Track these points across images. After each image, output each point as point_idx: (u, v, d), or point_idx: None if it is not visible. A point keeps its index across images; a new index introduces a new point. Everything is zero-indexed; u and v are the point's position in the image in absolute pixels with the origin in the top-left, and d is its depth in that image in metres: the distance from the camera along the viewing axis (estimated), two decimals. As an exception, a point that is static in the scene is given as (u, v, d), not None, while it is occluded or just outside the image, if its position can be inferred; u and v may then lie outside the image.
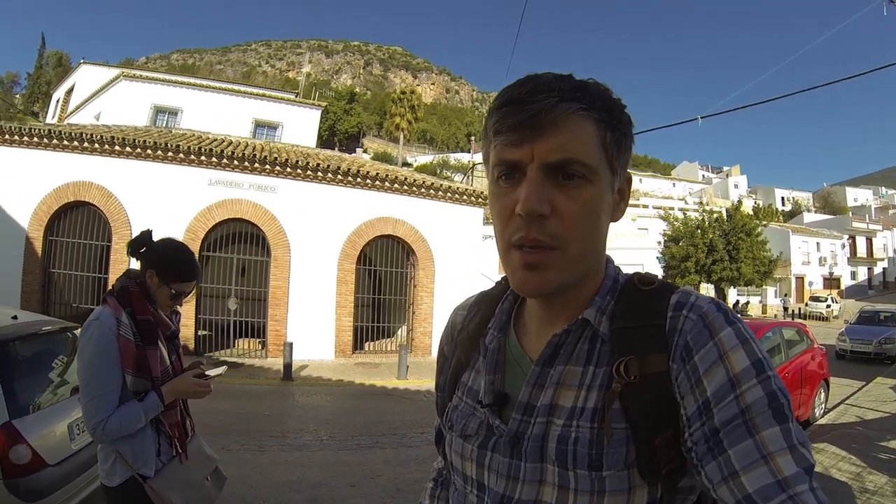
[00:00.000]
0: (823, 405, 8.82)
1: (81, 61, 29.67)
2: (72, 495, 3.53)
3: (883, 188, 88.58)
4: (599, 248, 0.85)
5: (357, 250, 13.44)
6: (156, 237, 2.31)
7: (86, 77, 26.96)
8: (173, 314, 2.35)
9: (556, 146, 0.76)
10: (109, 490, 2.06)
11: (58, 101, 31.27)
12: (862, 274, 52.16)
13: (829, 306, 36.15)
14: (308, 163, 12.87)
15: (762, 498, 0.65)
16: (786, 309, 37.36)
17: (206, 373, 2.32)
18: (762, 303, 40.31)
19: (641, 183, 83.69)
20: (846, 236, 51.20)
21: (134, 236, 2.28)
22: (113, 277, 11.44)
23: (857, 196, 79.68)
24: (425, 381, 10.89)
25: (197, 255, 11.78)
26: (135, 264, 2.31)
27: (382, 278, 14.77)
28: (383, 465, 5.85)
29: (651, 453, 0.75)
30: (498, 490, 0.85)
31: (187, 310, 11.83)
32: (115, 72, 24.11)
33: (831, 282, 47.77)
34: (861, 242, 52.84)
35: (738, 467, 0.68)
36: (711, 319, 0.77)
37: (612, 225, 0.88)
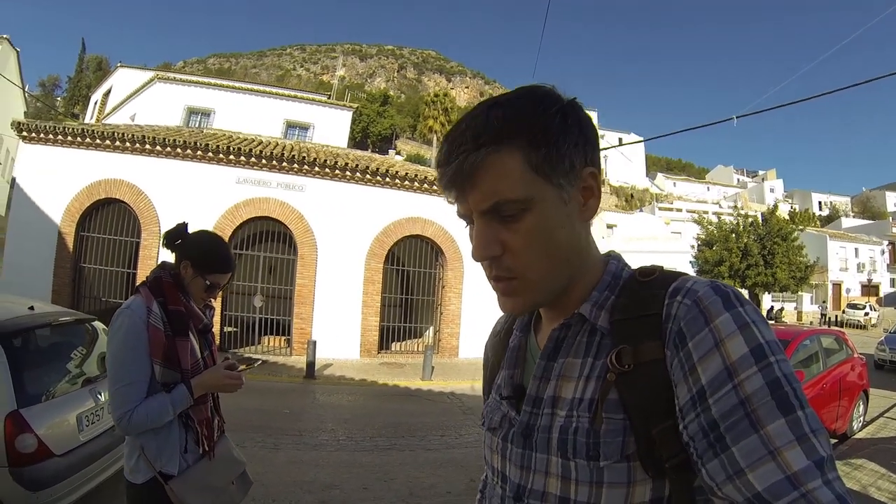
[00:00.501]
0: (862, 417, 8.49)
1: (118, 64, 30.47)
2: (77, 486, 3.53)
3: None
4: (571, 258, 0.85)
5: (385, 250, 13.40)
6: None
7: (122, 80, 27.75)
8: (206, 308, 2.32)
9: (481, 196, 0.80)
10: (132, 487, 2.02)
11: (95, 103, 32.21)
12: (902, 281, 50.47)
13: (867, 314, 35.13)
14: (336, 162, 12.89)
15: (773, 496, 0.63)
16: (823, 315, 36.34)
17: (239, 368, 2.28)
18: (797, 309, 39.32)
19: (675, 186, 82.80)
20: (886, 242, 49.86)
21: (169, 228, 2.27)
22: (142, 273, 11.66)
23: (897, 201, 77.22)
24: (450, 383, 10.82)
25: (225, 253, 12.00)
26: (165, 258, 2.28)
27: (412, 278, 14.72)
28: (398, 468, 5.75)
29: (650, 445, 0.74)
30: (515, 480, 0.88)
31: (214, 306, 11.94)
32: (150, 74, 24.66)
33: (870, 289, 46.45)
34: (902, 249, 51.17)
35: (743, 465, 0.65)
36: (707, 304, 0.74)
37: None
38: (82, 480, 3.58)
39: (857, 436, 7.81)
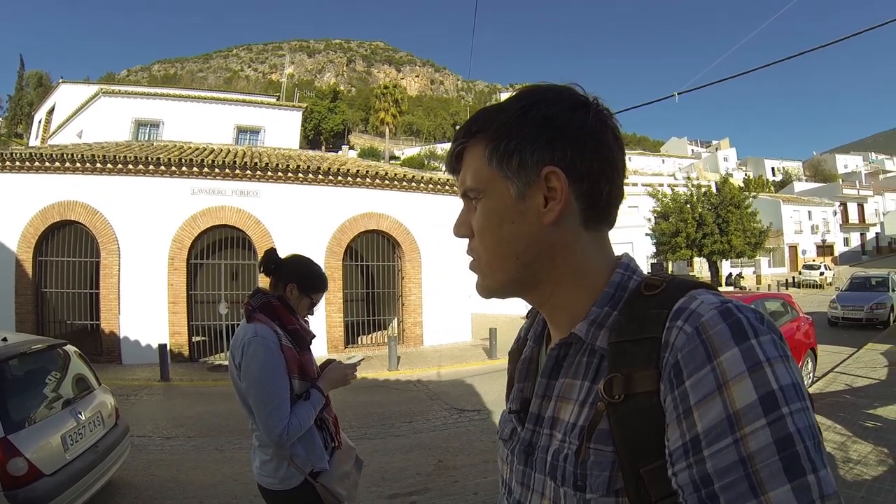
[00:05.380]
0: (811, 374, 8.88)
1: (60, 80, 29.78)
2: (69, 502, 3.77)
3: (873, 153, 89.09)
4: (525, 257, 0.82)
5: (342, 247, 13.64)
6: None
7: (66, 96, 27.10)
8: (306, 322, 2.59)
9: (459, 182, 0.87)
10: (284, 493, 2.25)
11: (40, 122, 31.35)
12: (855, 240, 52.57)
13: (822, 274, 36.37)
14: (288, 165, 13.04)
15: None
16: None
17: (349, 362, 2.60)
18: (756, 273, 40.51)
19: (631, 161, 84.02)
20: (837, 203, 51.68)
21: (261, 256, 2.52)
22: (104, 292, 11.72)
23: (847, 163, 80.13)
24: (416, 371, 11.18)
25: (185, 264, 12.13)
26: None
27: (374, 273, 14.99)
28: (370, 456, 5.98)
29: (637, 482, 0.68)
30: (515, 496, 0.87)
31: (180, 317, 12.06)
32: (94, 89, 24.17)
33: (825, 249, 48.21)
34: (853, 209, 53.30)
35: None
36: (711, 334, 0.65)
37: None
38: (73, 496, 3.83)
39: (806, 392, 8.20)
